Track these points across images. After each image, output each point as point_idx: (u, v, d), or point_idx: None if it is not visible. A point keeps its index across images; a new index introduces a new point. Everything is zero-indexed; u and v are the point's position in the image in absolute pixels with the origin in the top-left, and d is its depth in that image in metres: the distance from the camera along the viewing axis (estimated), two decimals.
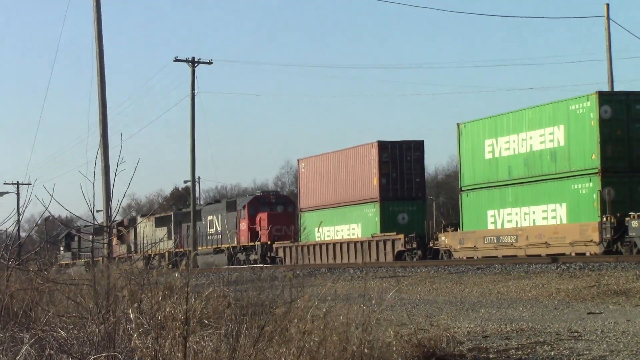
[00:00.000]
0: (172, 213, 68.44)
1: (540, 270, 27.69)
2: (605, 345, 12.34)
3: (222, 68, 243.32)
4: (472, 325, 15.39)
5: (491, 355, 12.02)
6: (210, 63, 60.36)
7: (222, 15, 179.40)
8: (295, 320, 10.48)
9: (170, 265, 11.99)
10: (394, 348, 10.73)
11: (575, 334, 13.70)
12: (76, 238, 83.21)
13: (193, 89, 59.11)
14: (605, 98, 34.20)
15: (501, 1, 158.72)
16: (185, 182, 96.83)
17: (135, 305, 10.55)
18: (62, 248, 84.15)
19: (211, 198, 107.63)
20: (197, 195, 78.09)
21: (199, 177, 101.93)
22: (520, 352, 12.20)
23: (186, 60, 59.56)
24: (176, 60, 59.60)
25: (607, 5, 45.00)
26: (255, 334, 10.07)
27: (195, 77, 59.27)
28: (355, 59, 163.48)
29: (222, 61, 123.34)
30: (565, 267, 27.94)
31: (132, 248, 69.91)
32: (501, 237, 37.79)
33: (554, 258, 31.32)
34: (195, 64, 59.51)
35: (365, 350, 10.20)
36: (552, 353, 11.99)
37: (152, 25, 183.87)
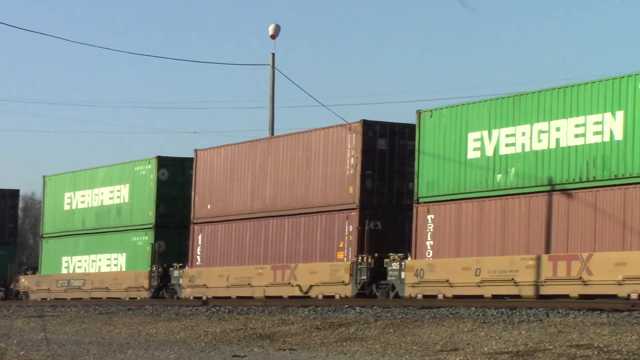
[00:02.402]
0: None
1: (190, 313, 28.24)
2: None
3: None
4: None
5: None
6: None
7: None
8: None
9: None
10: None
11: None
12: None
13: None
14: (164, 162, 39.20)
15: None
16: None
17: None
18: None
19: None
20: None
21: None
22: None
23: None
24: None
25: (273, 54, 48.00)
26: None
27: None
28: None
29: None
30: (215, 310, 28.59)
31: None
32: (71, 281, 41.91)
33: (204, 302, 33.02)
34: None
35: None
36: None
37: None
